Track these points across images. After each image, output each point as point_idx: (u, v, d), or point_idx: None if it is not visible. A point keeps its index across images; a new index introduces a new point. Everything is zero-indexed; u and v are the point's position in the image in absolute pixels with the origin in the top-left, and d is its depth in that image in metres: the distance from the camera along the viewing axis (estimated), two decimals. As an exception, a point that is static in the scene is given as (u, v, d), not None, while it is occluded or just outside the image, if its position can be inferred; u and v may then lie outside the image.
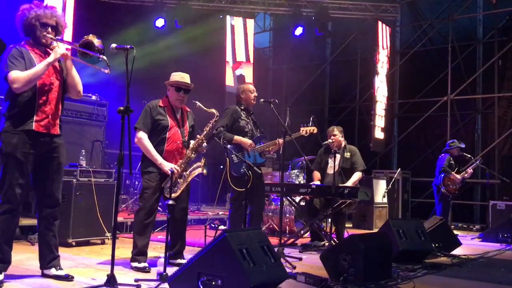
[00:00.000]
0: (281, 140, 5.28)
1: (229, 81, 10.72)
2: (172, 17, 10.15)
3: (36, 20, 3.62)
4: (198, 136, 4.49)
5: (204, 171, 4.39)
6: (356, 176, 6.28)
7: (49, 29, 3.65)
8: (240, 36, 10.88)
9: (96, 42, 3.55)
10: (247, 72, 10.90)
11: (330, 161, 6.42)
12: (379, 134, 10.95)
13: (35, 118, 3.57)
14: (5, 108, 3.64)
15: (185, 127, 4.53)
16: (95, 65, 3.63)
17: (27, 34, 3.67)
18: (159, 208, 4.77)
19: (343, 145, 6.41)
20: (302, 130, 5.61)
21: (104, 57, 3.52)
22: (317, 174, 6.53)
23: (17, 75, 3.47)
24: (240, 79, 10.76)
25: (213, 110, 4.51)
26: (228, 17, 10.79)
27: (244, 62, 10.87)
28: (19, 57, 3.54)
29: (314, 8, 10.88)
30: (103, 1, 9.60)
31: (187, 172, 4.38)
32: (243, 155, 5.17)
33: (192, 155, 4.41)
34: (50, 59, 3.55)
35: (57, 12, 3.77)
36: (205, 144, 4.41)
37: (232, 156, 5.12)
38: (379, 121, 10.95)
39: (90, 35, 3.58)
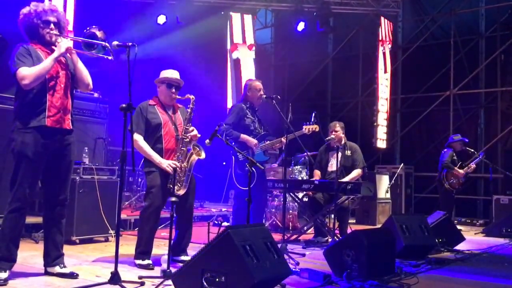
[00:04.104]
0: (284, 139, 5.28)
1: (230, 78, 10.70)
2: (173, 14, 10.14)
3: (38, 19, 3.65)
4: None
5: (202, 155, 4.37)
6: (355, 173, 6.28)
7: (52, 26, 3.67)
8: (238, 22, 10.77)
9: (99, 33, 3.60)
10: (243, 55, 10.71)
11: (331, 159, 6.43)
12: (381, 129, 10.93)
13: (46, 113, 3.58)
14: (16, 106, 3.66)
15: (178, 123, 4.52)
16: (99, 54, 3.66)
17: (31, 36, 3.69)
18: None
19: (343, 141, 6.41)
20: (305, 129, 5.62)
21: (107, 44, 3.58)
22: (317, 172, 6.55)
23: (26, 72, 3.49)
24: (236, 63, 10.68)
25: (188, 95, 4.46)
26: (229, 13, 10.78)
27: (240, 44, 10.73)
28: (26, 54, 3.57)
29: (315, 4, 10.85)
30: (104, -1, 9.58)
31: (185, 164, 4.37)
32: (247, 153, 5.18)
33: (182, 147, 4.37)
34: (55, 53, 3.57)
35: (57, 9, 3.80)
36: (207, 141, 4.39)
37: (237, 154, 5.12)
38: (382, 116, 10.93)
39: (93, 26, 3.62)
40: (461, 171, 7.98)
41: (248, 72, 10.68)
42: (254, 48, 10.91)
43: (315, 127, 5.65)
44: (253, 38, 10.96)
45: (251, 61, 10.82)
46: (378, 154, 11.28)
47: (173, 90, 4.49)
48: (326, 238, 6.24)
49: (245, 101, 5.53)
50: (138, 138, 4.37)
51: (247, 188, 4.80)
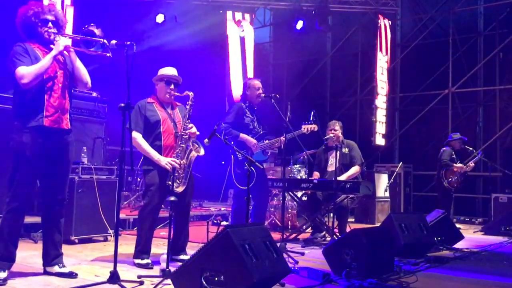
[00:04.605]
0: (283, 138, 5.29)
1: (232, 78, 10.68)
2: (172, 13, 10.13)
3: (36, 17, 3.64)
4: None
5: (201, 152, 4.38)
6: (353, 170, 6.28)
7: (50, 24, 3.66)
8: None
9: (97, 31, 3.61)
10: (232, 32, 10.63)
11: (331, 158, 6.43)
12: (380, 128, 10.93)
13: (44, 113, 3.58)
14: (14, 106, 3.65)
15: (177, 120, 4.51)
16: (97, 51, 3.65)
17: (29, 35, 3.68)
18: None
19: (340, 140, 6.42)
20: (303, 128, 5.62)
21: (105, 41, 3.58)
22: (316, 174, 6.56)
23: (24, 70, 3.49)
24: (225, 40, 10.63)
25: (187, 92, 4.45)
26: (228, 12, 10.77)
27: (229, 20, 10.60)
28: (24, 53, 3.56)
29: (314, 2, 10.84)
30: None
31: (184, 160, 4.37)
32: (246, 152, 5.18)
33: (181, 144, 4.37)
34: (53, 52, 3.58)
35: (55, 8, 3.80)
36: (206, 141, 4.39)
37: (236, 153, 5.12)
38: (380, 115, 10.93)
39: (91, 24, 3.62)
40: (460, 165, 7.97)
41: (235, 49, 10.58)
42: (243, 24, 10.75)
43: (314, 127, 5.65)
44: (243, 16, 10.81)
45: (238, 38, 10.68)
46: (377, 152, 11.29)
47: (172, 87, 4.49)
48: (322, 233, 6.25)
49: (244, 100, 5.53)
50: (137, 136, 4.37)
51: (246, 188, 4.81)
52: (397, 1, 11.55)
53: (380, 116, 10.91)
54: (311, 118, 5.73)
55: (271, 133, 5.70)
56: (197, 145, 4.41)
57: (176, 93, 4.49)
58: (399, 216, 5.41)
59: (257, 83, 5.53)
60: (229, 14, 10.66)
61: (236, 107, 5.48)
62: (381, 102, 10.95)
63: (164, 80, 4.50)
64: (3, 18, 5.29)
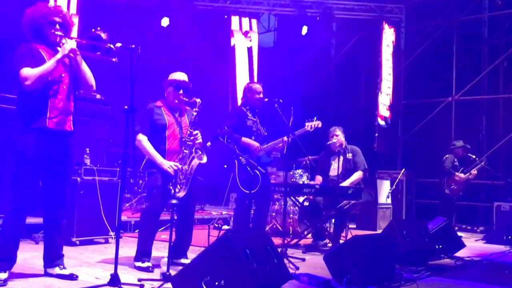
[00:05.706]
0: (285, 138, 5.28)
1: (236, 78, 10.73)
2: (177, 17, 10.17)
3: (43, 18, 3.65)
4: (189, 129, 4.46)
5: (203, 159, 4.38)
6: (356, 175, 6.25)
7: (57, 26, 3.67)
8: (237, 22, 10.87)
9: (103, 35, 3.62)
10: (239, 42, 10.72)
11: (333, 163, 6.42)
12: (383, 135, 10.92)
13: (48, 115, 3.59)
14: (18, 107, 3.66)
15: (184, 125, 4.52)
16: (103, 56, 3.66)
17: (35, 36, 3.68)
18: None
19: (344, 145, 6.41)
20: (307, 126, 5.58)
21: (112, 46, 3.58)
22: (319, 178, 6.54)
23: (28, 72, 3.49)
24: (232, 50, 10.68)
25: (195, 99, 4.45)
26: (232, 17, 10.81)
27: (236, 30, 10.70)
28: (29, 55, 3.56)
29: (319, 9, 10.86)
30: (107, 1, 9.61)
31: (186, 166, 4.38)
32: (249, 156, 5.17)
33: (185, 150, 4.38)
34: (59, 55, 3.58)
35: (62, 10, 3.80)
36: (209, 143, 4.40)
37: (239, 157, 5.12)
38: (383, 122, 10.92)
39: (98, 28, 3.64)
40: (462, 175, 7.97)
41: (242, 60, 10.69)
42: (250, 35, 10.85)
43: (318, 123, 5.61)
44: (249, 25, 10.90)
45: (245, 49, 10.78)
46: (380, 159, 11.25)
47: (180, 92, 4.50)
48: (324, 241, 6.23)
49: (245, 103, 5.53)
50: (143, 138, 4.39)
51: (248, 191, 4.81)
52: (401, 8, 11.57)
53: (383, 122, 10.90)
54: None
55: (275, 137, 5.69)
56: (200, 152, 4.41)
57: (184, 99, 4.50)
58: (401, 223, 5.40)
59: (258, 87, 5.53)
60: (234, 20, 10.71)
61: (236, 111, 5.48)
62: (383, 109, 10.95)
63: (173, 85, 4.52)
64: (7, 18, 5.31)
